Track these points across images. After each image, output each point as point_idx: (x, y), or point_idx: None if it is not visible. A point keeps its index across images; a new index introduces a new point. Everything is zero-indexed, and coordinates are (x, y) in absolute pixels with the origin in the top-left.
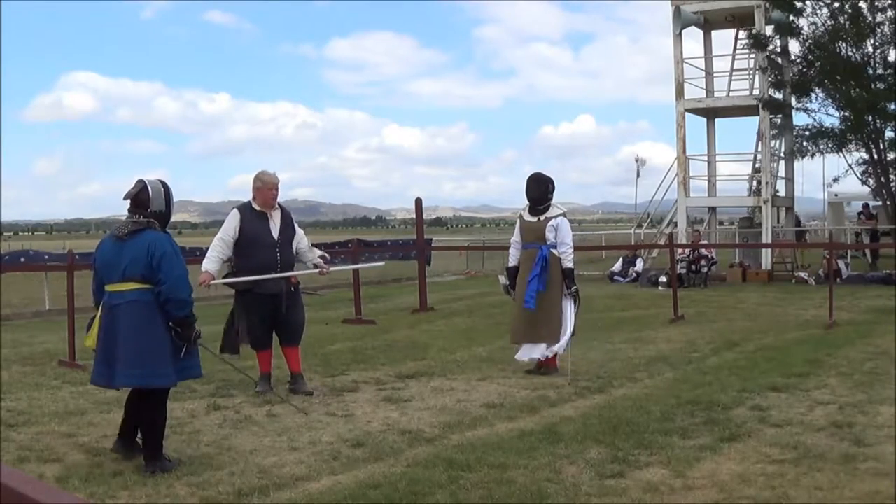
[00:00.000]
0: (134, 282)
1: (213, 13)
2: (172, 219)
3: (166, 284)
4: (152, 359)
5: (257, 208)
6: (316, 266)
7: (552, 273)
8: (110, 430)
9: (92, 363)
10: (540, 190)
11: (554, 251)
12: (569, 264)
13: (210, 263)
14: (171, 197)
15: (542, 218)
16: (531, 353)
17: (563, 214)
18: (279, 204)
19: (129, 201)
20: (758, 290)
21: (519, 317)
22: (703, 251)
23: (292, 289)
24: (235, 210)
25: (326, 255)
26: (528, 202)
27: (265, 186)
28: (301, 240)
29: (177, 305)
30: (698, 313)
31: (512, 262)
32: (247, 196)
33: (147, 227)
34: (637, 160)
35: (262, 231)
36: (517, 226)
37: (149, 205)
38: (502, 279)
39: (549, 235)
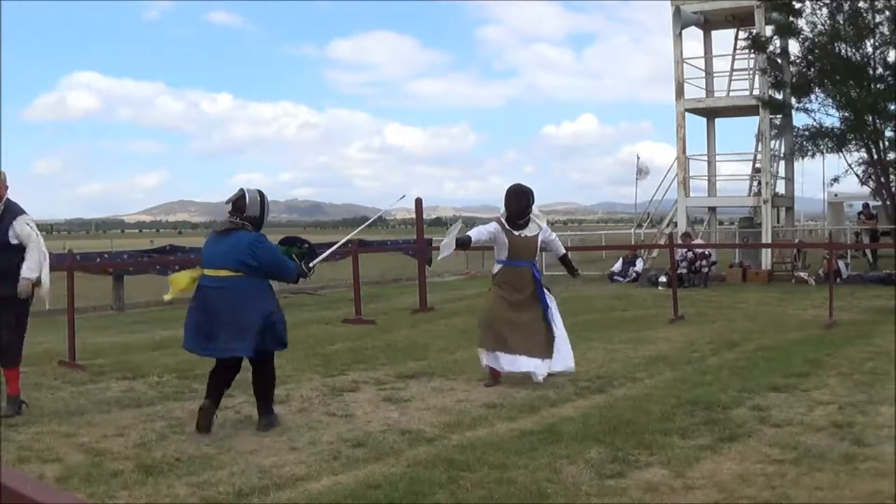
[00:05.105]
0: (228, 270)
1: (217, 14)
2: (173, 219)
3: (281, 275)
4: (242, 334)
5: None
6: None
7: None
8: (110, 430)
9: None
10: (522, 203)
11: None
12: (563, 250)
13: None
14: (265, 204)
15: (531, 235)
16: (522, 365)
17: (546, 224)
18: (9, 200)
19: (230, 205)
20: (758, 290)
21: (505, 324)
22: (704, 251)
23: None
24: None
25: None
26: (506, 214)
27: None
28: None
29: (290, 279)
30: (698, 313)
31: (472, 236)
32: None
33: (241, 227)
34: (638, 163)
35: None
36: (496, 230)
37: (245, 210)
38: (450, 240)
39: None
